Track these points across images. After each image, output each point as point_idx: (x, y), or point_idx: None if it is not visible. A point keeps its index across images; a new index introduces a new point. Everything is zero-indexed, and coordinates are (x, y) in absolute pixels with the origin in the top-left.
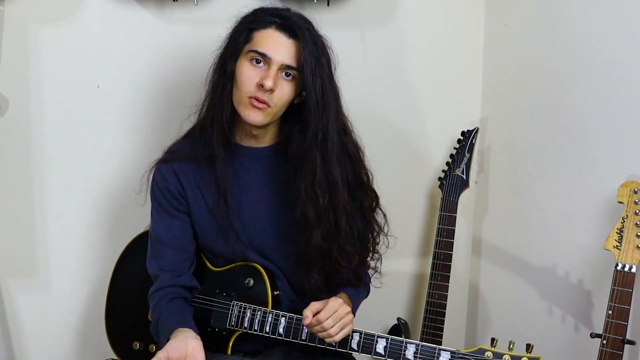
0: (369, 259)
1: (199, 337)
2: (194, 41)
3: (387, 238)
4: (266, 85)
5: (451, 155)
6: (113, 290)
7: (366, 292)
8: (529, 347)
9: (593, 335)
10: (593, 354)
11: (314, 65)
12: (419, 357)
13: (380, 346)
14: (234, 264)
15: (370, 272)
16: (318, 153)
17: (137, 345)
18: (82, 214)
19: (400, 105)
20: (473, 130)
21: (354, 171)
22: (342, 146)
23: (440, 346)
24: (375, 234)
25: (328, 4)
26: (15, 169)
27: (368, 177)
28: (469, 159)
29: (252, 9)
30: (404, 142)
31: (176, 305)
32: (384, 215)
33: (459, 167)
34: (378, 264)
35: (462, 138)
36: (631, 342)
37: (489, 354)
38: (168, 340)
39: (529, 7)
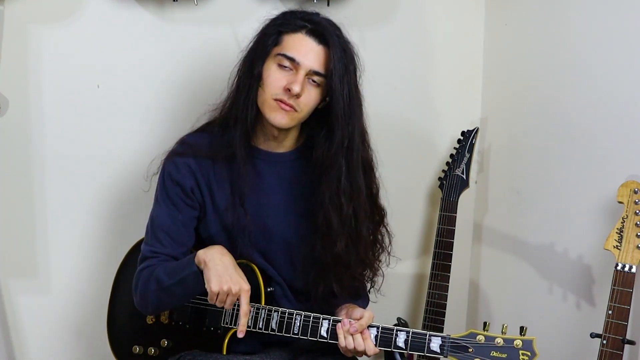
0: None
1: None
2: (194, 41)
3: (389, 257)
4: (294, 90)
5: (451, 155)
6: (115, 295)
7: (366, 306)
8: (522, 330)
9: (593, 335)
10: (593, 354)
11: (342, 73)
12: (410, 344)
13: (371, 335)
14: None
15: (368, 285)
16: (344, 160)
17: (136, 349)
18: (82, 214)
19: (399, 105)
20: (473, 130)
21: (369, 182)
22: (363, 155)
23: (431, 332)
24: (377, 250)
25: (328, 4)
26: (15, 169)
27: (378, 191)
28: (469, 159)
29: (282, 11)
30: (404, 143)
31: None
32: (389, 235)
33: (459, 167)
34: (376, 279)
35: (462, 138)
36: (631, 342)
37: (480, 337)
38: (191, 272)
39: (529, 7)
